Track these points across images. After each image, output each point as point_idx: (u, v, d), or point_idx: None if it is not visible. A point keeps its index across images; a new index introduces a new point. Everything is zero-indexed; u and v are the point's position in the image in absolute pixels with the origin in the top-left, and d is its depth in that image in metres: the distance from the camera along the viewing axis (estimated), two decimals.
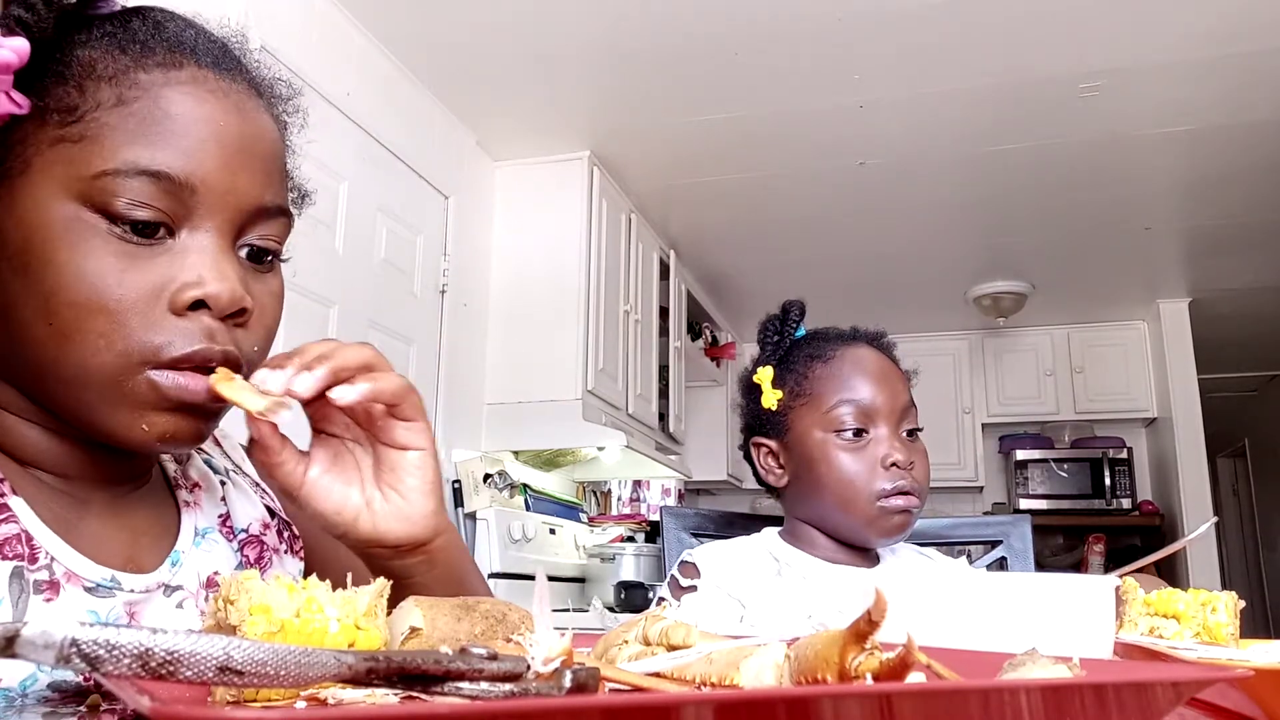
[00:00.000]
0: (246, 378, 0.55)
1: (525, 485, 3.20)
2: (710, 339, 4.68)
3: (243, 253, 0.58)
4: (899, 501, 1.07)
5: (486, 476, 2.92)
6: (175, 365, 0.53)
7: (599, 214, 3.20)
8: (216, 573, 0.64)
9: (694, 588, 1.11)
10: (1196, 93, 2.77)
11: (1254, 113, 2.88)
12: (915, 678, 0.36)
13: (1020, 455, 4.98)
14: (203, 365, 0.54)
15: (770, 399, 1.15)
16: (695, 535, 1.34)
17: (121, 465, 0.62)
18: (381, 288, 2.58)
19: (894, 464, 1.07)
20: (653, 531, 3.65)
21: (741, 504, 4.93)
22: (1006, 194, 3.50)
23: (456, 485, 2.89)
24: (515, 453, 3.15)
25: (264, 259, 0.59)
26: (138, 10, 0.57)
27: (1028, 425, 5.11)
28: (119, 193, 0.51)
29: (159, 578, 0.61)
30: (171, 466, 0.68)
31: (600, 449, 3.17)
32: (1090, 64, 2.64)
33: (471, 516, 2.88)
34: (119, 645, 0.29)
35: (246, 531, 0.70)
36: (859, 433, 1.09)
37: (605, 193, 3.26)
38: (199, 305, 0.53)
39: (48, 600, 0.54)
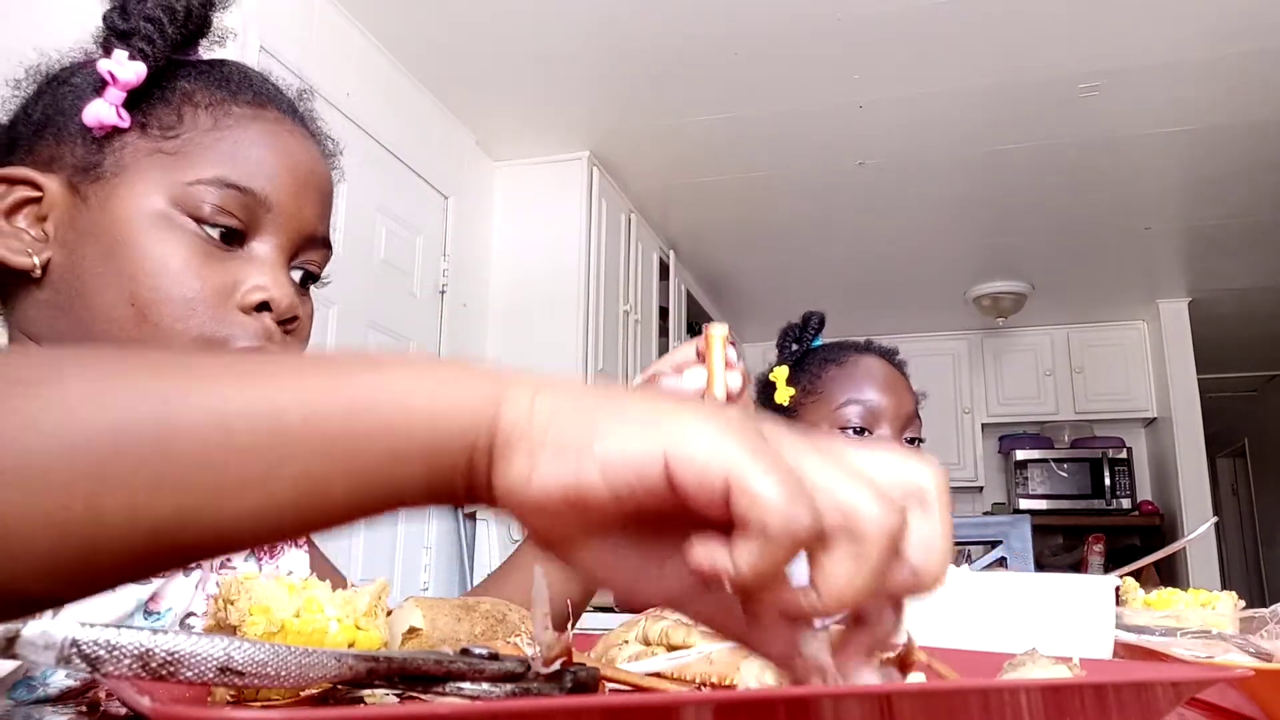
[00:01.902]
0: None
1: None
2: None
3: (295, 274, 0.66)
4: None
5: None
6: None
7: (599, 214, 3.20)
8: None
9: None
10: (1196, 93, 2.77)
11: (1254, 113, 2.87)
12: (915, 678, 0.36)
13: (1020, 455, 4.98)
14: None
15: (784, 395, 1.22)
16: None
17: None
18: (381, 288, 2.58)
19: None
20: None
21: None
22: (1006, 194, 3.50)
23: None
24: None
25: (307, 283, 0.67)
26: (225, 61, 0.67)
27: (1027, 425, 5.11)
28: (208, 200, 0.59)
29: None
30: None
31: None
32: (1090, 64, 2.64)
33: (471, 516, 2.88)
34: (119, 646, 0.29)
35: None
36: (862, 431, 1.15)
37: (605, 193, 3.26)
38: (263, 307, 0.61)
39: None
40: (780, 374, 1.26)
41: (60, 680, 0.55)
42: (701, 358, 0.69)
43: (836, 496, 0.29)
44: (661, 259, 3.85)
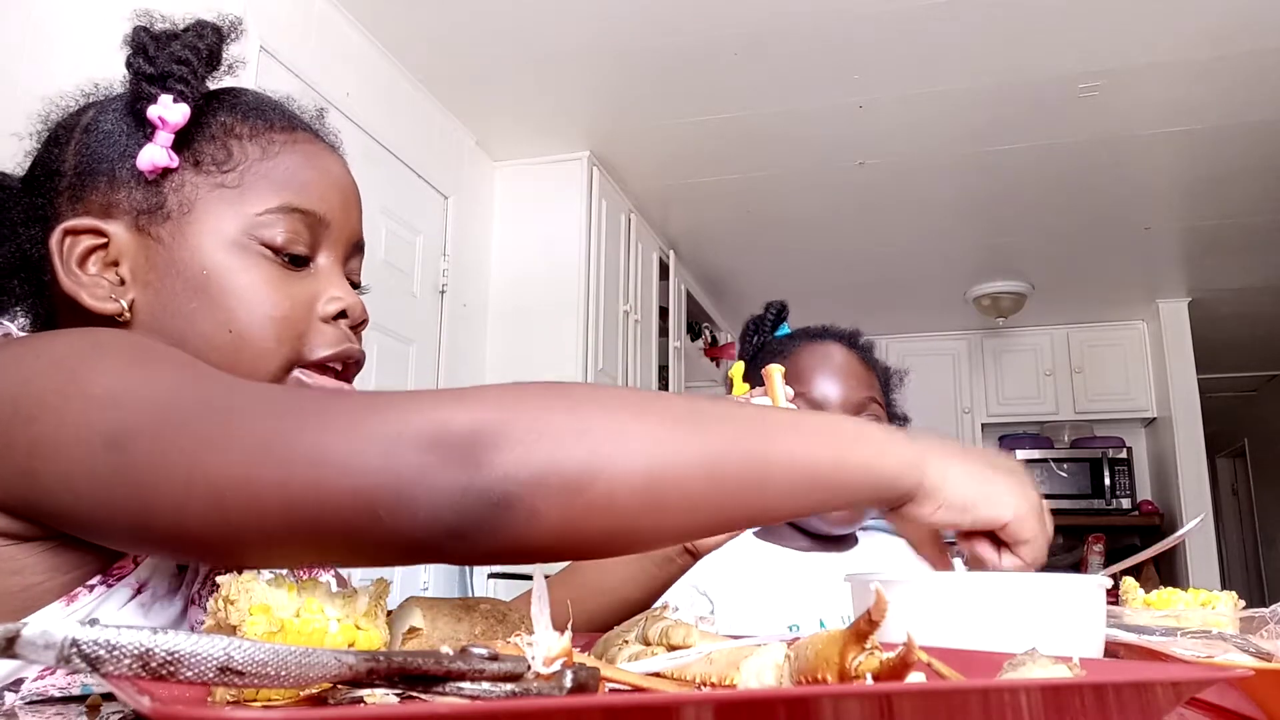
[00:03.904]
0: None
1: None
2: (710, 339, 4.68)
3: None
4: None
5: None
6: (323, 364, 0.65)
7: (599, 214, 3.20)
8: None
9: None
10: (1196, 93, 2.77)
11: (1254, 113, 2.88)
12: (915, 678, 0.36)
13: (1020, 455, 4.98)
14: (346, 361, 0.67)
15: (739, 390, 1.20)
16: None
17: None
18: (381, 288, 2.58)
19: None
20: None
21: None
22: (1006, 194, 3.50)
23: None
24: None
25: (355, 288, 0.73)
26: (230, 89, 0.70)
27: (1027, 425, 5.12)
28: (279, 226, 0.65)
29: None
30: None
31: None
32: (1090, 64, 2.64)
33: None
34: (119, 646, 0.29)
35: None
36: None
37: (605, 193, 3.26)
38: (340, 315, 0.67)
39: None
40: (736, 370, 1.24)
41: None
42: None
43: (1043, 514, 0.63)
44: (661, 259, 3.85)
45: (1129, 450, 4.91)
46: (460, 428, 0.42)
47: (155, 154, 0.63)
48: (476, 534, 0.42)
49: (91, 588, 0.53)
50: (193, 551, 0.46)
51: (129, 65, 0.64)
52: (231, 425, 0.44)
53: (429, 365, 2.80)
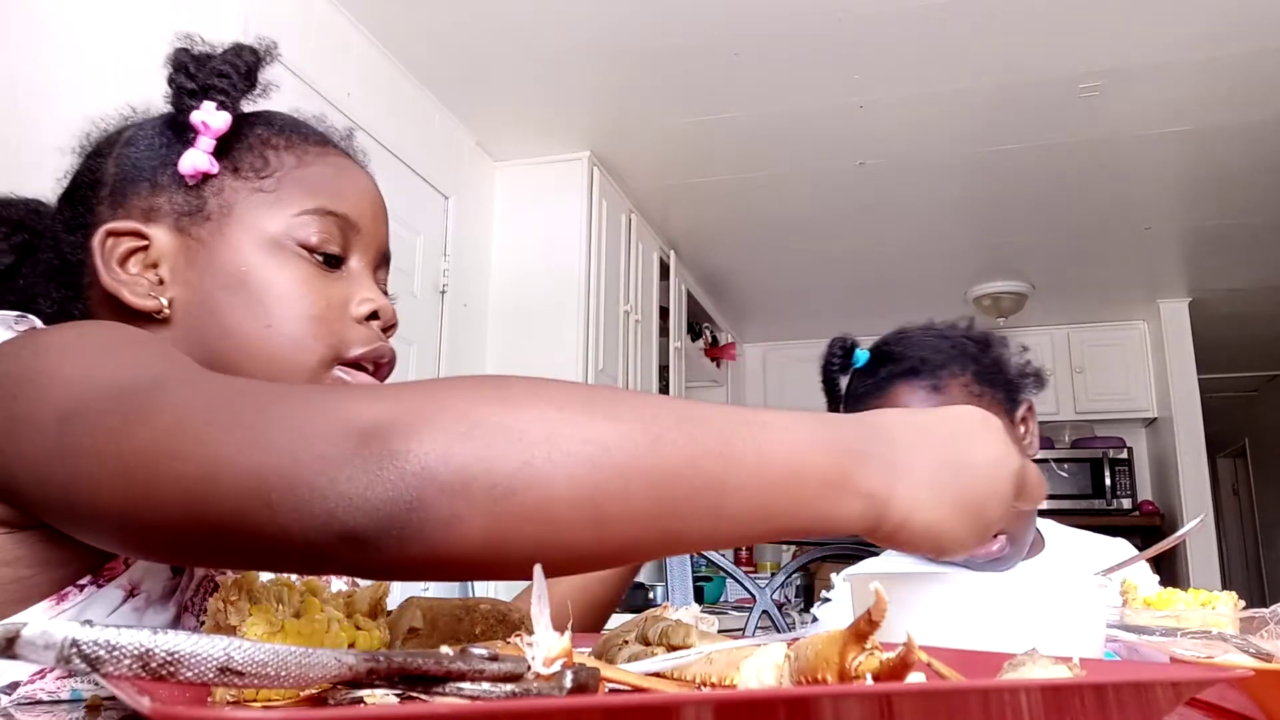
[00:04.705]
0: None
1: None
2: (710, 339, 4.68)
3: None
4: (974, 556, 1.03)
5: None
6: (357, 362, 0.67)
7: (599, 214, 3.20)
8: None
9: (828, 599, 1.13)
10: (1196, 93, 2.77)
11: (1254, 113, 2.88)
12: (915, 678, 0.36)
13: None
14: (379, 360, 0.69)
15: None
16: None
17: None
18: None
19: None
20: None
21: None
22: (1006, 194, 3.50)
23: None
24: None
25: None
26: (266, 110, 0.73)
27: None
28: (314, 228, 0.67)
29: None
30: None
31: None
32: (1090, 64, 2.64)
33: None
34: (119, 646, 0.29)
35: None
36: None
37: (605, 193, 3.26)
38: (373, 316, 0.69)
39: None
40: None
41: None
42: None
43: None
44: (661, 259, 3.85)
45: (1129, 450, 4.91)
46: (376, 416, 0.38)
47: (197, 158, 0.65)
48: (382, 540, 0.36)
49: (81, 587, 0.54)
50: (111, 535, 0.44)
51: (171, 82, 0.67)
52: (156, 406, 0.42)
53: (429, 365, 2.80)
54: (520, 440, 0.38)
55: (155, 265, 0.65)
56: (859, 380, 1.10)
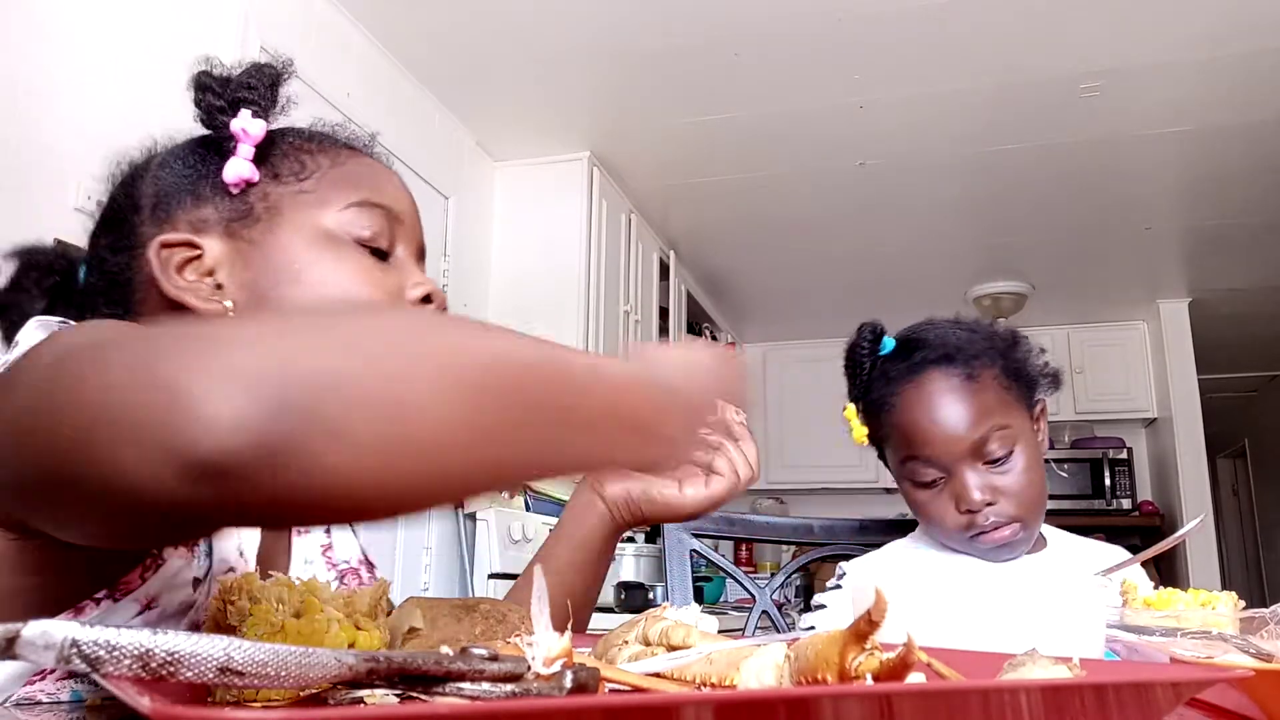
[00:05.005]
0: None
1: (525, 485, 3.20)
2: (710, 339, 4.68)
3: None
4: (987, 540, 1.04)
5: None
6: None
7: (599, 214, 3.20)
8: None
9: (839, 587, 1.12)
10: (1196, 93, 2.77)
11: (1254, 113, 2.88)
12: (915, 678, 0.36)
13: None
14: None
15: (859, 435, 1.12)
16: (696, 535, 1.34)
17: None
18: None
19: (967, 509, 1.03)
20: (653, 531, 3.64)
21: (741, 504, 4.93)
22: (1006, 194, 3.50)
23: None
24: None
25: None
26: (293, 126, 0.75)
27: None
28: (362, 220, 0.69)
29: None
30: None
31: None
32: (1090, 64, 2.64)
33: (471, 517, 2.88)
34: (119, 646, 0.29)
35: (347, 563, 0.80)
36: (932, 483, 1.06)
37: (605, 193, 3.26)
38: (426, 300, 0.71)
39: None
40: (851, 413, 1.13)
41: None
42: None
43: None
44: (661, 259, 3.85)
45: (1129, 450, 4.90)
46: (253, 348, 0.35)
47: (240, 166, 0.67)
48: (250, 469, 0.33)
49: (98, 601, 0.54)
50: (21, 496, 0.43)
51: (199, 104, 0.69)
52: (78, 358, 0.40)
53: None
54: (393, 358, 0.36)
55: (211, 273, 0.66)
56: (891, 364, 1.10)
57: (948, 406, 1.04)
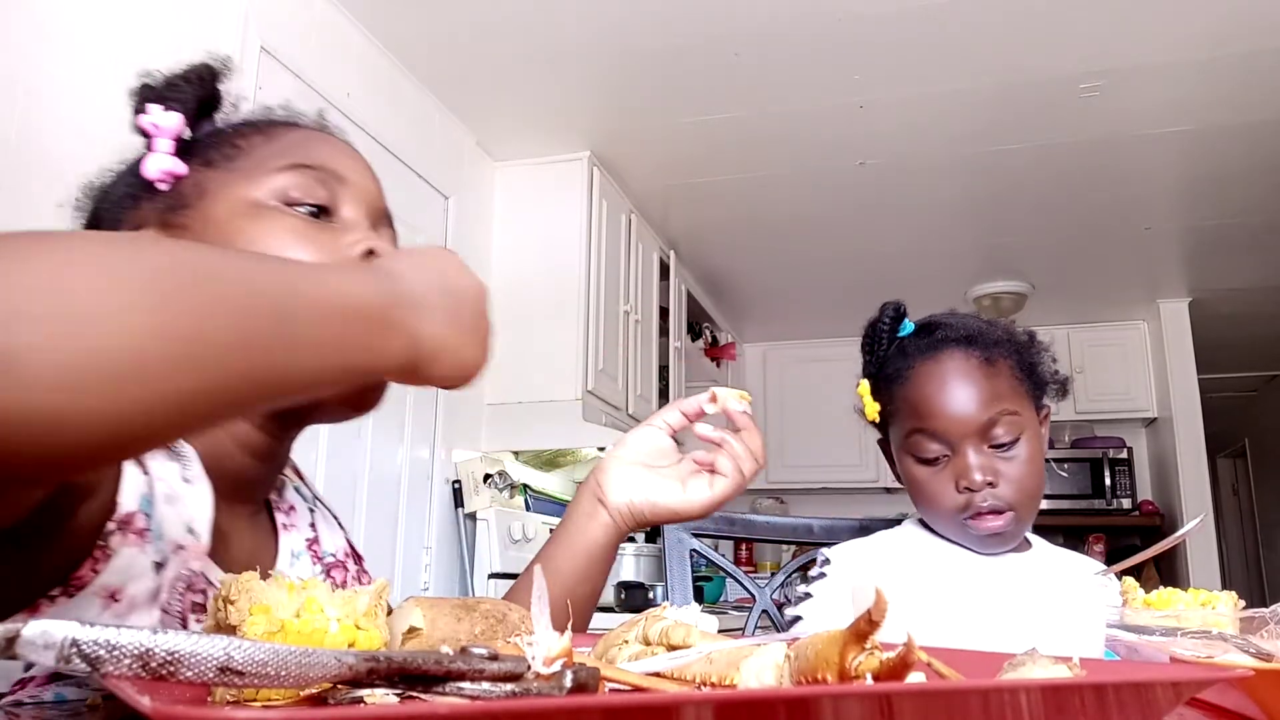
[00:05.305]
0: None
1: (525, 485, 3.21)
2: (710, 339, 4.68)
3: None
4: (980, 524, 1.05)
5: (487, 477, 2.92)
6: None
7: (599, 214, 3.20)
8: None
9: (823, 575, 1.12)
10: (1196, 93, 2.77)
11: (1254, 113, 2.88)
12: (915, 678, 0.36)
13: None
14: None
15: (871, 411, 1.13)
16: (696, 535, 1.34)
17: (271, 476, 0.72)
18: None
19: (966, 487, 1.04)
20: (653, 531, 3.65)
21: (741, 504, 4.93)
22: (1006, 194, 3.50)
23: (456, 485, 2.89)
24: (515, 453, 3.15)
25: None
26: (232, 118, 0.74)
27: None
28: (292, 182, 0.67)
29: None
30: (273, 493, 0.76)
31: (600, 449, 3.17)
32: (1090, 64, 2.64)
33: (471, 517, 2.88)
34: (119, 645, 0.29)
35: (334, 556, 0.78)
36: (934, 460, 1.06)
37: (605, 193, 3.26)
38: (369, 255, 0.67)
39: (198, 621, 0.61)
40: (864, 389, 1.13)
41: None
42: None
43: None
44: (661, 259, 3.85)
45: (1129, 450, 4.91)
46: None
47: (159, 161, 0.66)
48: None
49: (53, 598, 0.51)
50: None
51: (133, 109, 0.69)
52: None
53: None
54: (71, 273, 0.32)
55: None
56: (911, 341, 1.11)
57: (962, 383, 1.05)
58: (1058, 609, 1.05)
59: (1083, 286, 4.47)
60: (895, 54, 2.60)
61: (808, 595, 1.12)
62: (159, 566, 0.57)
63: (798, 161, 3.25)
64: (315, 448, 2.25)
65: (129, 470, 0.55)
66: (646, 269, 3.66)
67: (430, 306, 0.48)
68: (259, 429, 0.68)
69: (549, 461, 3.36)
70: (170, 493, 0.58)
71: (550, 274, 3.13)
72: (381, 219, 0.74)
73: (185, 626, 0.59)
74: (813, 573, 1.15)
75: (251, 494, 0.72)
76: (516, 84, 2.79)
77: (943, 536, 1.12)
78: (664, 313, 3.87)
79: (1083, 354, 4.92)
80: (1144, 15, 2.41)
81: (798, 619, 1.09)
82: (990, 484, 1.04)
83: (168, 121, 0.67)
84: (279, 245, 0.64)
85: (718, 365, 4.71)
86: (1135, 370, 4.87)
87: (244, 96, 0.74)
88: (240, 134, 0.70)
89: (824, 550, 1.15)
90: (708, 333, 4.66)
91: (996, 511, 1.04)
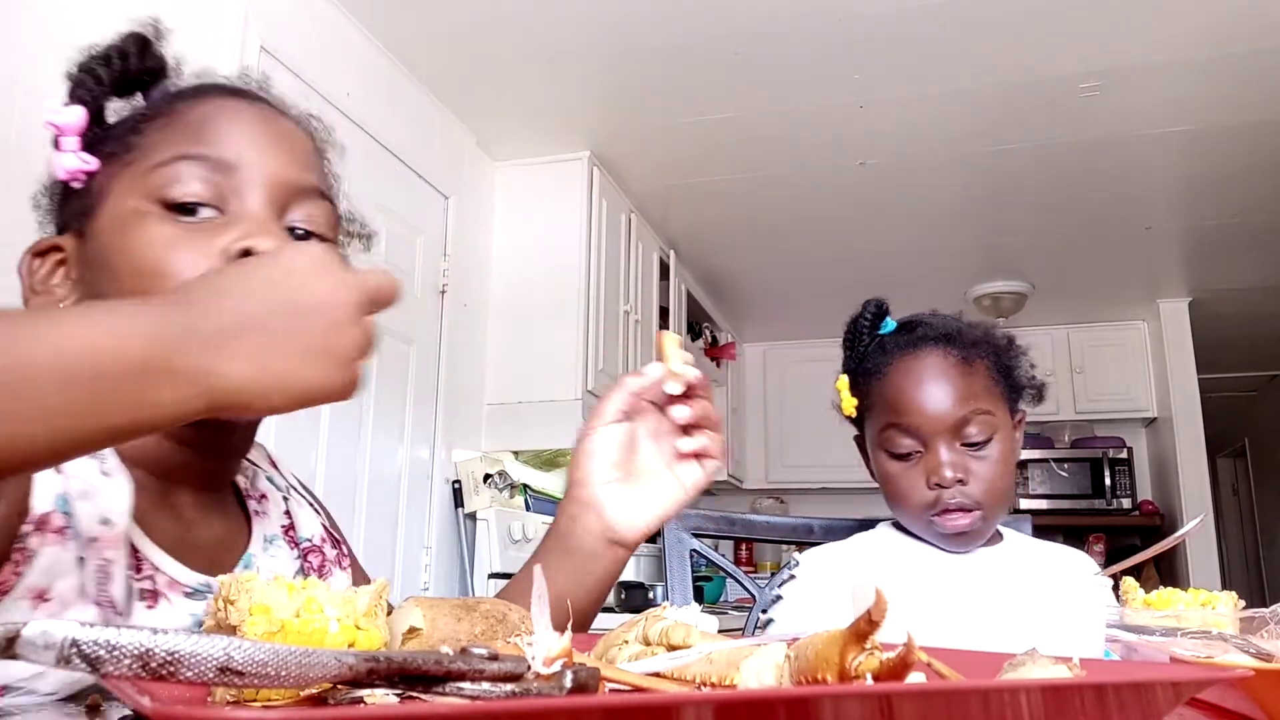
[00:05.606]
0: None
1: (525, 485, 3.20)
2: (710, 339, 4.68)
3: (297, 232, 0.67)
4: (946, 520, 1.05)
5: (486, 477, 2.92)
6: None
7: (599, 214, 3.20)
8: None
9: (792, 577, 1.13)
10: (1196, 93, 2.77)
11: (1254, 113, 2.87)
12: (915, 678, 0.36)
13: (1021, 455, 4.97)
14: None
15: (848, 406, 1.13)
16: (696, 535, 1.34)
17: (214, 466, 0.70)
18: None
19: (937, 484, 1.05)
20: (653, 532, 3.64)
21: (741, 504, 4.93)
22: (1006, 194, 3.50)
23: (456, 485, 2.89)
24: (515, 453, 3.15)
25: (309, 240, 0.67)
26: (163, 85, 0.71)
27: (1028, 425, 5.09)
28: (169, 180, 0.61)
29: None
30: (242, 480, 0.75)
31: None
32: (1090, 64, 2.64)
33: (471, 517, 2.88)
34: (119, 646, 0.29)
35: (310, 541, 0.78)
36: (906, 455, 1.07)
37: (605, 193, 3.26)
38: (247, 254, 0.60)
39: (149, 608, 0.60)
40: (842, 383, 1.14)
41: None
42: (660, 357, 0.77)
43: None
44: (661, 259, 3.85)
45: (1129, 450, 4.90)
46: None
47: (62, 159, 0.64)
48: None
49: None
50: None
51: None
52: None
53: (429, 365, 2.80)
54: None
55: (70, 272, 0.66)
56: (891, 338, 1.12)
57: (938, 380, 1.07)
58: (1033, 599, 1.06)
59: (1083, 286, 4.47)
60: (895, 54, 2.60)
61: (778, 598, 1.13)
62: (82, 561, 0.56)
63: (798, 161, 3.25)
64: (315, 448, 2.25)
65: (43, 472, 0.55)
66: (646, 269, 3.66)
67: (251, 333, 0.43)
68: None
69: (549, 461, 3.36)
70: (86, 488, 0.57)
71: (550, 274, 3.13)
72: (296, 196, 0.66)
73: (122, 615, 0.58)
74: (783, 575, 1.16)
75: (206, 482, 0.70)
76: (516, 84, 2.79)
77: (916, 537, 1.12)
78: (664, 313, 3.87)
79: (1082, 354, 4.92)
80: (1144, 15, 2.41)
81: (770, 621, 1.10)
82: (960, 481, 1.05)
83: (68, 118, 0.63)
84: (153, 256, 0.60)
85: (718, 365, 4.71)
86: (1135, 370, 4.87)
87: (183, 57, 0.70)
88: (142, 119, 0.66)
89: (795, 554, 1.16)
90: (708, 333, 4.66)
91: (964, 509, 1.05)
